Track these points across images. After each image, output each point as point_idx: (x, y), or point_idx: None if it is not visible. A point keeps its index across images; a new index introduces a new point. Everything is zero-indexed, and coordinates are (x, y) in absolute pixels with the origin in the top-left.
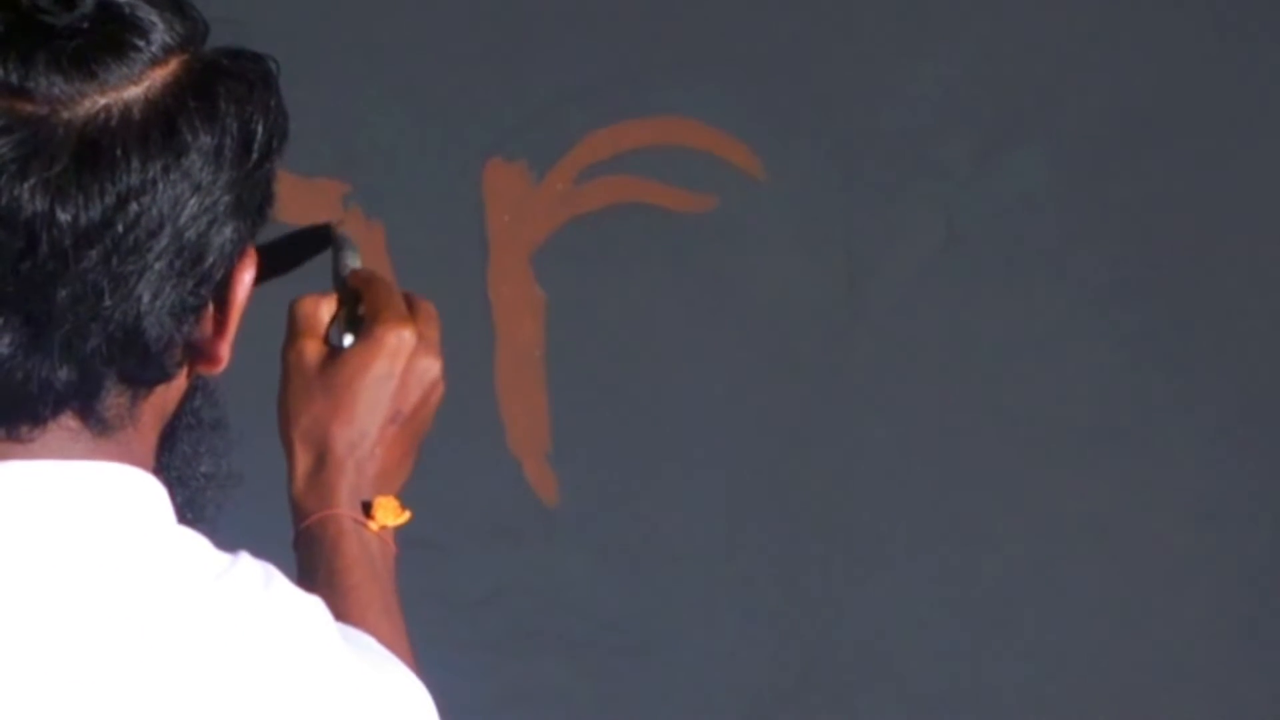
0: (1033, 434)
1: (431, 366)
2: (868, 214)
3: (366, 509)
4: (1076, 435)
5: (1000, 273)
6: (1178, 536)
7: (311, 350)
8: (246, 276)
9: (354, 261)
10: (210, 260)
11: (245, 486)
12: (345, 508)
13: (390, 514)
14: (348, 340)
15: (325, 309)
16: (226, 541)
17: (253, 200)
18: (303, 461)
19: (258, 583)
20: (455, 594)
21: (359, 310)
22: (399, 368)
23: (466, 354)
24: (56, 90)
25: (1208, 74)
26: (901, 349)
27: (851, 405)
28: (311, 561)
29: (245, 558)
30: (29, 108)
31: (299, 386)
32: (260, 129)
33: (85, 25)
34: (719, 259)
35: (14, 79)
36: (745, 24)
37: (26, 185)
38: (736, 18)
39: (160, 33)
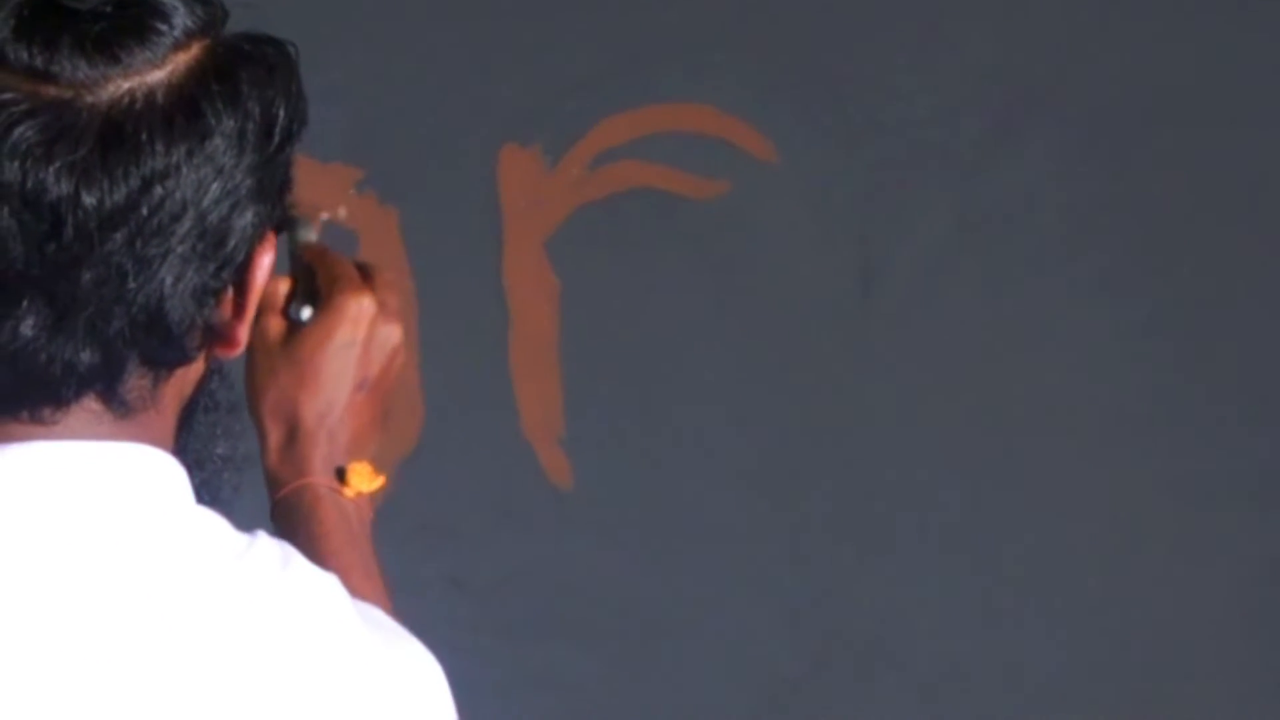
0: (1045, 421)
1: (393, 332)
2: (880, 199)
3: (341, 476)
4: (1089, 423)
5: (1013, 259)
6: (1190, 526)
7: (273, 326)
8: (266, 260)
9: (308, 235)
10: (232, 244)
11: (259, 469)
12: (320, 476)
13: (364, 480)
14: (306, 313)
15: (283, 285)
16: (239, 523)
17: (273, 184)
18: (274, 435)
19: (276, 562)
20: (467, 578)
21: (316, 284)
22: (360, 335)
23: (481, 339)
24: (81, 74)
25: (1218, 61)
26: (914, 335)
27: (864, 390)
28: (289, 530)
29: (263, 537)
30: (53, 91)
31: (263, 362)
32: (281, 113)
33: (108, 9)
34: (732, 245)
35: (38, 62)
36: (758, 10)
37: (52, 168)
38: (750, 4)
39: (182, 16)
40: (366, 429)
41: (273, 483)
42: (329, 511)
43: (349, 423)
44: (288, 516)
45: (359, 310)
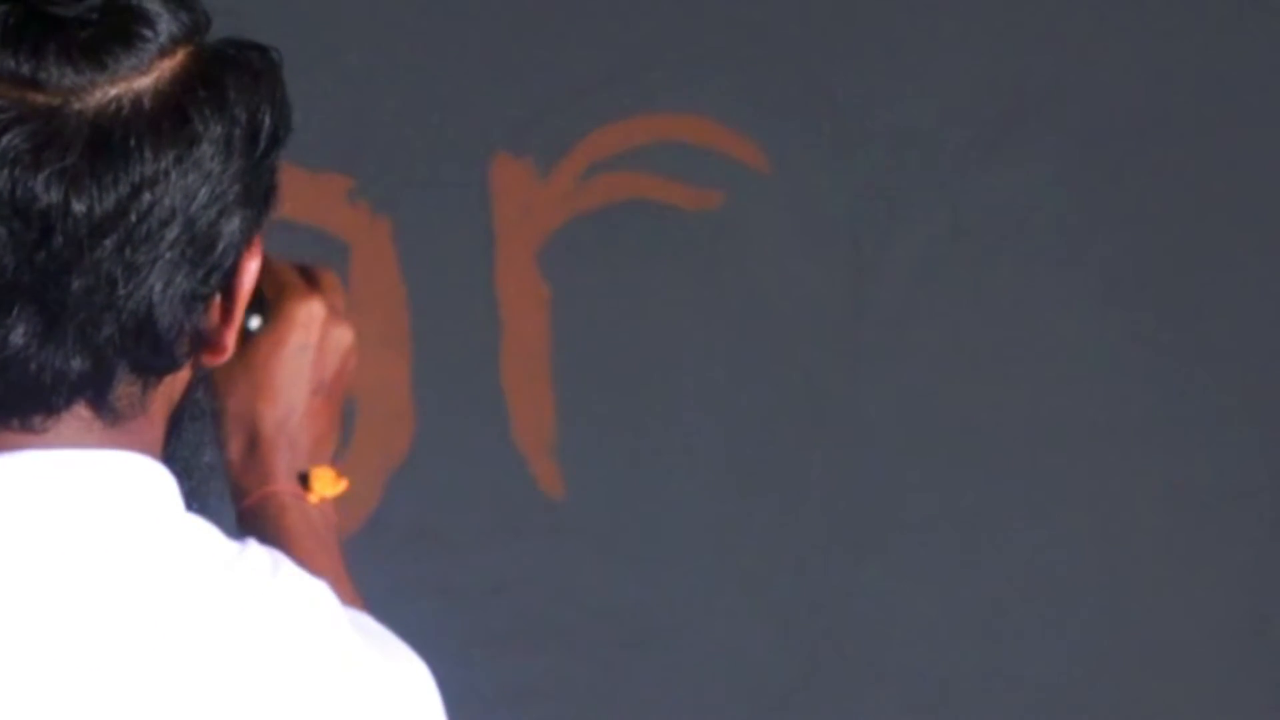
0: (1038, 427)
1: (345, 334)
2: (873, 208)
3: (304, 481)
4: (1082, 428)
5: (1005, 266)
6: (1185, 530)
7: None
8: (253, 266)
9: None
10: (220, 250)
11: None
12: (283, 483)
13: (328, 484)
14: (255, 322)
15: None
16: (226, 531)
17: (259, 190)
18: (235, 445)
19: (267, 569)
20: (459, 587)
21: (261, 291)
22: (313, 339)
23: (472, 348)
24: (68, 81)
25: (1213, 66)
26: (906, 343)
27: (856, 398)
28: (256, 539)
29: (253, 545)
30: (41, 98)
31: (219, 373)
32: (267, 119)
33: (94, 16)
34: (724, 254)
35: (25, 70)
36: (750, 19)
37: (40, 176)
38: (742, 13)
39: (166, 23)
40: (326, 433)
41: (236, 492)
42: (296, 519)
43: (308, 428)
44: (254, 526)
45: (309, 315)
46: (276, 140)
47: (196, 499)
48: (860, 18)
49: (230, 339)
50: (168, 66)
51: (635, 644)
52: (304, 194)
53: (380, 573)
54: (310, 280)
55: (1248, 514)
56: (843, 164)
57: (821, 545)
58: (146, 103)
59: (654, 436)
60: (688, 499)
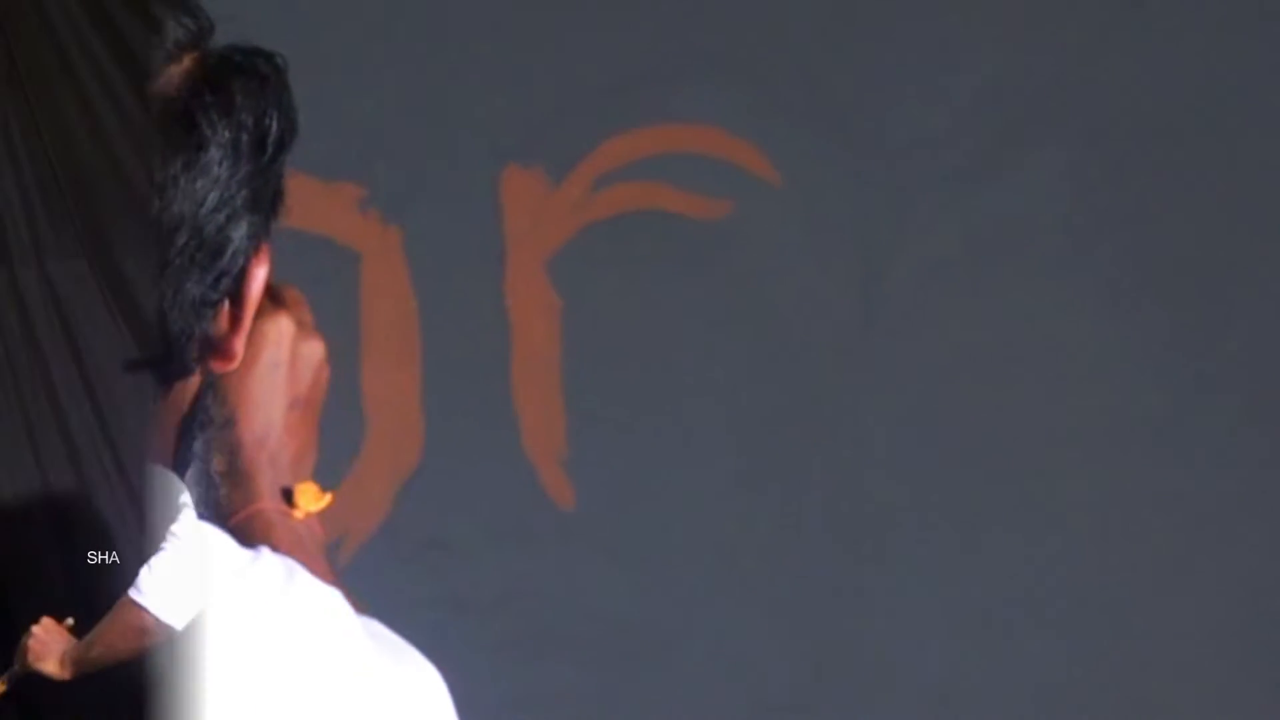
0: (1042, 433)
1: (316, 348)
2: (882, 219)
3: (288, 498)
4: (1090, 438)
5: (1013, 277)
6: (1187, 533)
7: None
8: (260, 272)
9: None
10: (228, 255)
11: None
12: (267, 500)
13: (311, 499)
14: None
15: None
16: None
17: (266, 195)
18: (217, 464)
19: (280, 578)
20: (468, 596)
21: None
22: (284, 355)
23: (482, 358)
24: None
25: (1218, 71)
26: (915, 353)
27: (865, 409)
28: None
29: (266, 554)
30: None
31: None
32: (274, 124)
33: None
34: (734, 264)
35: None
36: (760, 30)
37: None
38: (752, 24)
39: (171, 29)
40: (306, 448)
41: (220, 512)
42: (283, 536)
43: (288, 444)
44: (240, 544)
45: (278, 331)
46: (283, 145)
47: (206, 507)
48: (869, 29)
49: (239, 345)
50: (174, 73)
51: (644, 652)
52: (315, 203)
53: (390, 582)
54: (274, 297)
55: (1251, 517)
56: (852, 174)
57: (829, 555)
58: (154, 109)
59: (663, 446)
60: (696, 508)
